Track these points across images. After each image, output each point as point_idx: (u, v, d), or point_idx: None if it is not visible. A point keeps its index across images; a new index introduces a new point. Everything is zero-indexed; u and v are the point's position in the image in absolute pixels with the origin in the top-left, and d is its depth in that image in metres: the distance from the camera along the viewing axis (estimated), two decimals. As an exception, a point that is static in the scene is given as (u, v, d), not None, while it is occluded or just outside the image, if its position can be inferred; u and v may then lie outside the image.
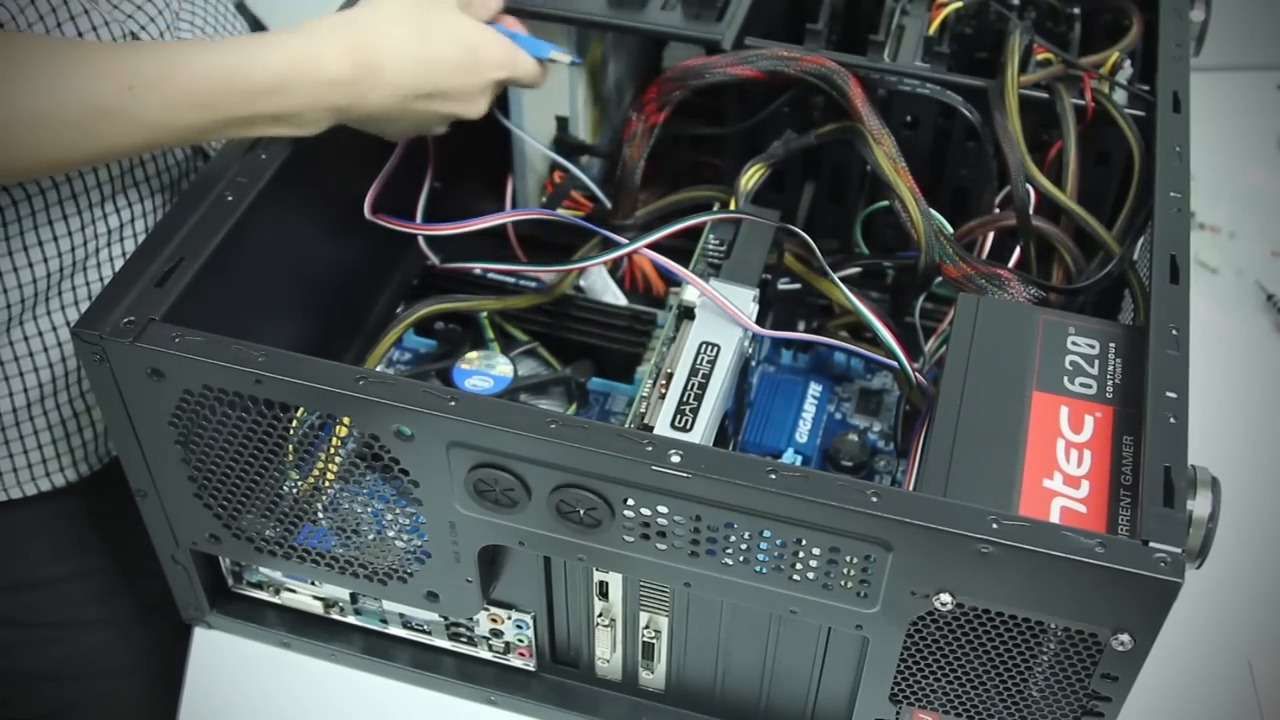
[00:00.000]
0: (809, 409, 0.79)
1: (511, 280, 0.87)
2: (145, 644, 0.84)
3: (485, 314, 0.83)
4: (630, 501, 0.56)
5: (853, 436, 0.77)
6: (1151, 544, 0.52)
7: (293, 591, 0.71)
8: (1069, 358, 0.64)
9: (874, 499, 0.53)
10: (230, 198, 0.65)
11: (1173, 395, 0.57)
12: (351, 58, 0.65)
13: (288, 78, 0.64)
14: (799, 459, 0.76)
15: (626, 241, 0.73)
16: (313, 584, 0.70)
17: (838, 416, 0.80)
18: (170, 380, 0.59)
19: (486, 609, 0.67)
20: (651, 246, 0.72)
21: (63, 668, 0.82)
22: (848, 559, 0.55)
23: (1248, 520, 0.58)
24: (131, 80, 0.59)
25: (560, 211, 0.85)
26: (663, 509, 0.56)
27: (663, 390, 0.66)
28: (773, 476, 0.54)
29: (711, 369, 0.67)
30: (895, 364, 0.71)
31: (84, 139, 0.59)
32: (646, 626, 0.65)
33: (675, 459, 0.54)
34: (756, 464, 0.54)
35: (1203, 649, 0.75)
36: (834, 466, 0.76)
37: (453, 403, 0.56)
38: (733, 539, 0.56)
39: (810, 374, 0.82)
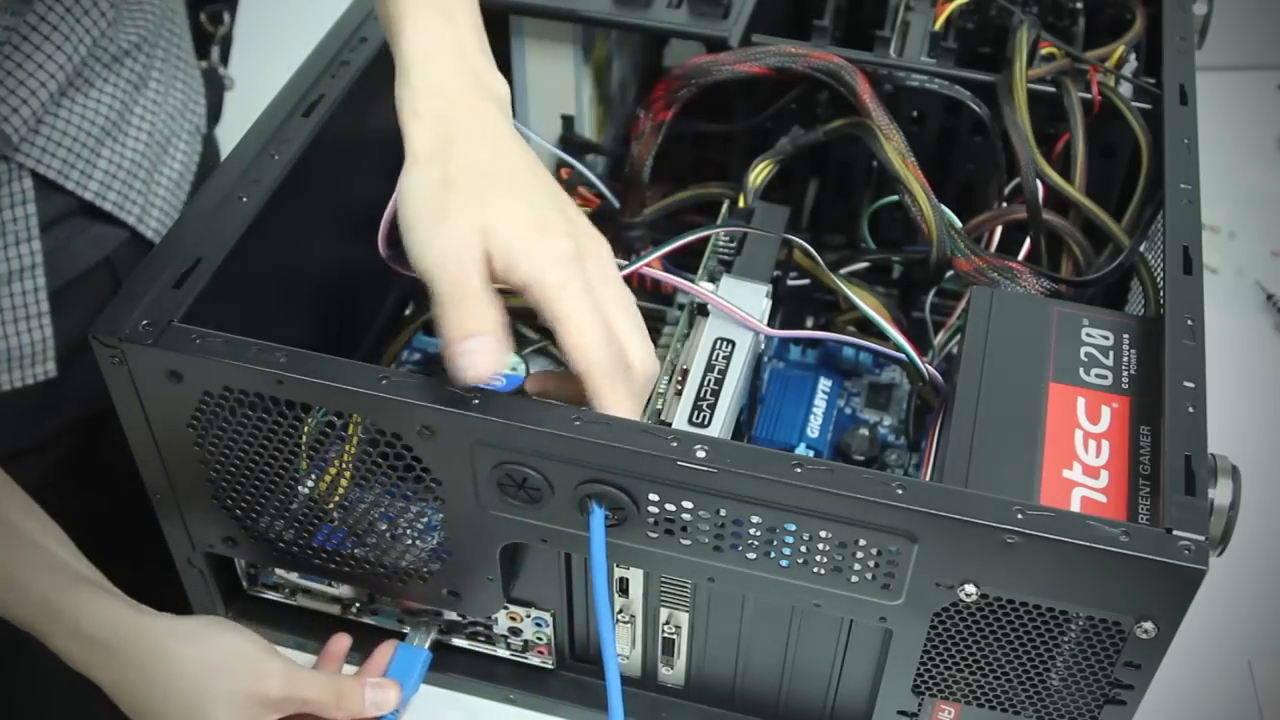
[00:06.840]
0: (819, 404, 0.80)
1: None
2: None
3: (494, 313, 0.83)
4: (654, 497, 0.56)
5: (863, 431, 0.78)
6: (1175, 532, 0.52)
7: (308, 593, 0.71)
8: (1084, 349, 0.64)
9: (899, 491, 0.53)
10: (244, 199, 0.65)
11: (1190, 385, 0.58)
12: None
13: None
14: (811, 454, 0.76)
15: (640, 233, 0.73)
16: (329, 585, 0.70)
17: (848, 411, 0.81)
18: (189, 382, 0.59)
19: (505, 607, 0.67)
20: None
21: None
22: (873, 551, 0.55)
23: (1247, 521, 0.58)
24: None
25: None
26: (687, 504, 0.56)
27: (678, 387, 0.67)
28: (798, 470, 0.54)
29: (727, 365, 0.67)
30: (905, 358, 0.72)
31: None
32: (667, 623, 0.65)
33: (701, 454, 0.54)
34: (782, 458, 0.54)
35: (1203, 649, 0.75)
36: (845, 461, 0.77)
37: (477, 401, 0.56)
38: (757, 533, 0.56)
39: (819, 369, 0.82)
